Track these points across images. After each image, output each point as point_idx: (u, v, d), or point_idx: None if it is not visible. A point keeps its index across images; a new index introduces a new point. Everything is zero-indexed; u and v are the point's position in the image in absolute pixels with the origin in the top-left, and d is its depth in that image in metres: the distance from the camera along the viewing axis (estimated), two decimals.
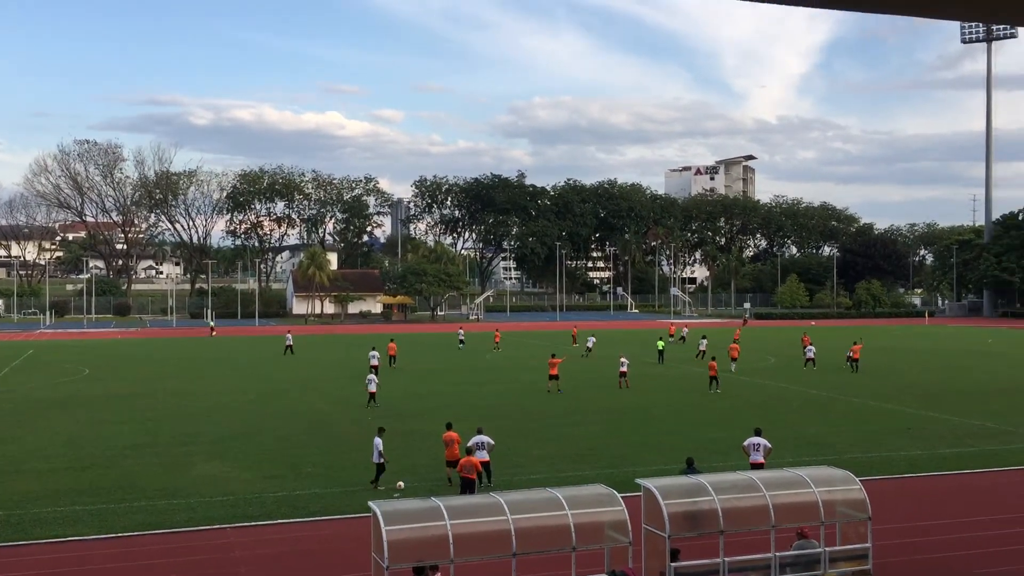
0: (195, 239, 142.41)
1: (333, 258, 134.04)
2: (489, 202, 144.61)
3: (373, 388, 37.74)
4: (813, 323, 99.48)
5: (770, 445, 22.82)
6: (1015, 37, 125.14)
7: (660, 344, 58.04)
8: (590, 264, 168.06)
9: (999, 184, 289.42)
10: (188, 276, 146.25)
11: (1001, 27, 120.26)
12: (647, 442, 29.61)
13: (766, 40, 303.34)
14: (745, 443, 22.95)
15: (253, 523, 20.39)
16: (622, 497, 15.05)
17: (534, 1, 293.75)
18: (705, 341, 59.25)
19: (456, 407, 36.25)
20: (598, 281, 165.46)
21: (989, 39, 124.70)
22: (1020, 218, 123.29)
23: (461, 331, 72.28)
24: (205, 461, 26.84)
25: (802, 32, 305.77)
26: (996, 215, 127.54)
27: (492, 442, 23.58)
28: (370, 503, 14.41)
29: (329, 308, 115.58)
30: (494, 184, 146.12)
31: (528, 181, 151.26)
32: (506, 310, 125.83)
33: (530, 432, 31.53)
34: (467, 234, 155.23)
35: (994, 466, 26.21)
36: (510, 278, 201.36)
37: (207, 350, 68.58)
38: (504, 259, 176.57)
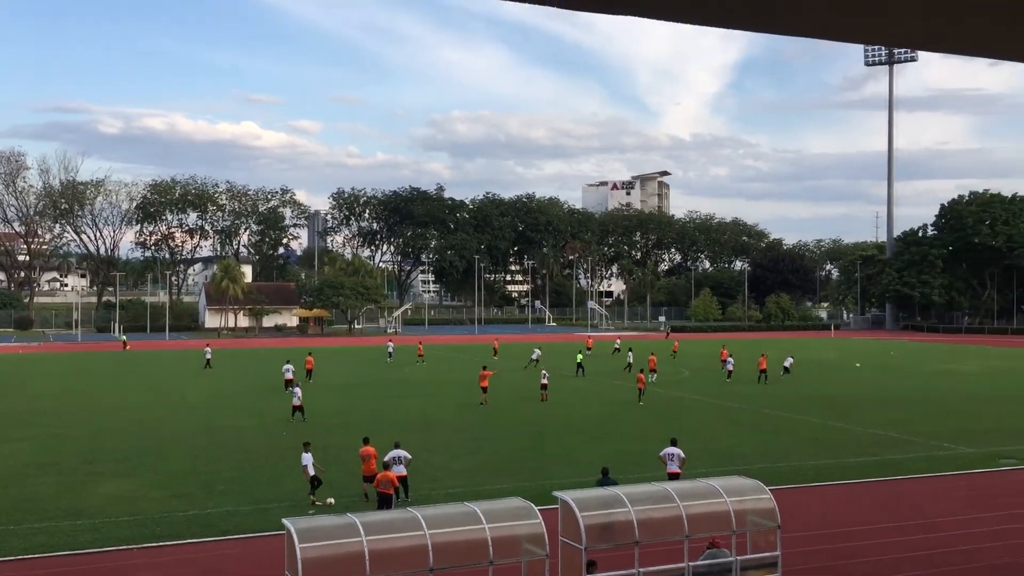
0: (102, 251, 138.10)
1: (248, 270, 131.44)
2: (408, 215, 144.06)
3: (297, 401, 37.25)
4: (730, 335, 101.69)
5: (684, 455, 23.29)
6: (915, 60, 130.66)
7: (579, 357, 58.57)
8: (508, 278, 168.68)
9: (900, 202, 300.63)
10: (95, 289, 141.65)
11: (902, 51, 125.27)
12: (566, 454, 29.82)
13: (680, 59, 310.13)
14: (661, 453, 23.52)
15: (162, 543, 19.84)
16: (540, 510, 15.12)
17: (452, 15, 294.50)
18: (632, 354, 60.13)
19: (375, 421, 35.93)
20: (516, 294, 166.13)
21: (891, 62, 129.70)
22: (920, 235, 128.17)
23: (390, 344, 71.82)
24: (112, 480, 26.01)
25: (715, 51, 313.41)
26: (897, 232, 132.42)
27: (410, 456, 23.46)
28: (284, 520, 14.17)
29: (243, 321, 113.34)
30: (413, 197, 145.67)
31: (447, 194, 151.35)
32: (424, 323, 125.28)
33: (449, 445, 31.45)
34: (385, 247, 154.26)
35: (896, 474, 27.16)
36: (428, 291, 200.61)
37: (118, 365, 66.50)
38: (423, 272, 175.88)
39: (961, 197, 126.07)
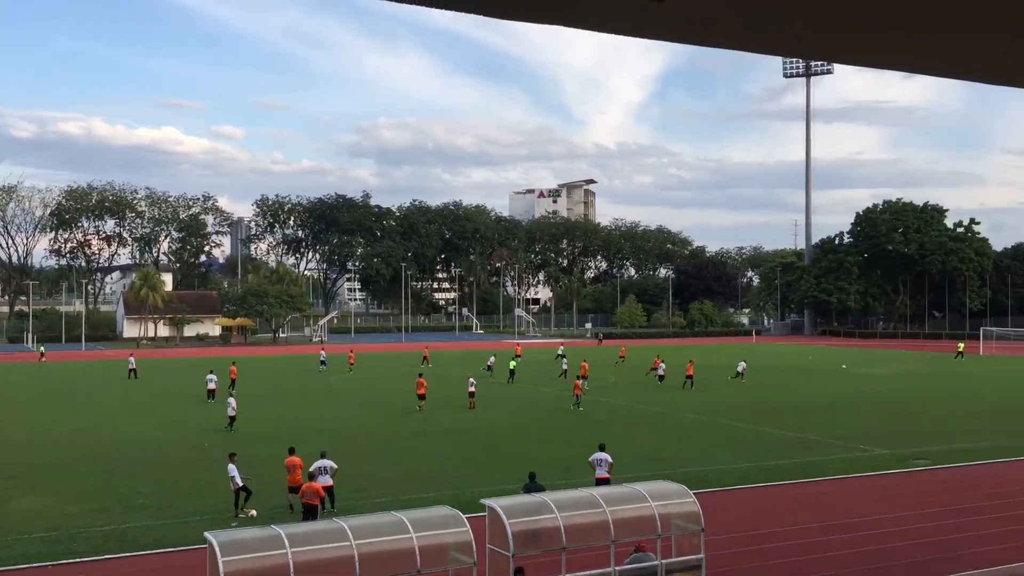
0: (15, 259, 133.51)
1: (168, 279, 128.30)
2: (333, 222, 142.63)
3: (232, 412, 36.80)
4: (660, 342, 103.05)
5: (611, 461, 23.58)
6: (831, 73, 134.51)
7: (512, 364, 58.79)
8: (436, 285, 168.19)
9: (818, 210, 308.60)
10: (6, 298, 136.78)
11: (818, 63, 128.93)
12: (493, 461, 29.85)
13: (605, 68, 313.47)
14: (591, 458, 23.85)
15: (79, 559, 19.25)
16: (467, 518, 15.12)
17: (377, 22, 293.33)
18: (566, 360, 60.52)
19: (301, 431, 35.44)
20: (443, 302, 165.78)
21: (808, 74, 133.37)
22: (836, 242, 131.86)
23: (323, 352, 70.98)
24: (26, 495, 25.14)
25: (639, 62, 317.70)
26: (815, 239, 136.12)
27: (335, 466, 23.21)
28: (206, 534, 13.88)
29: (163, 331, 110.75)
30: (339, 204, 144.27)
31: (374, 202, 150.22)
32: (351, 332, 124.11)
33: (376, 454, 31.22)
34: (310, 255, 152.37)
35: (816, 476, 27.88)
36: (355, 299, 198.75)
37: (35, 377, 64.31)
38: (349, 280, 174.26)
39: (875, 206, 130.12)
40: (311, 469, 22.49)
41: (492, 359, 63.04)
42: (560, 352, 74.75)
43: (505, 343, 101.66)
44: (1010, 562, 18.97)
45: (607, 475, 23.05)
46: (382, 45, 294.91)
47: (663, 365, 56.44)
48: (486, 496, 17.45)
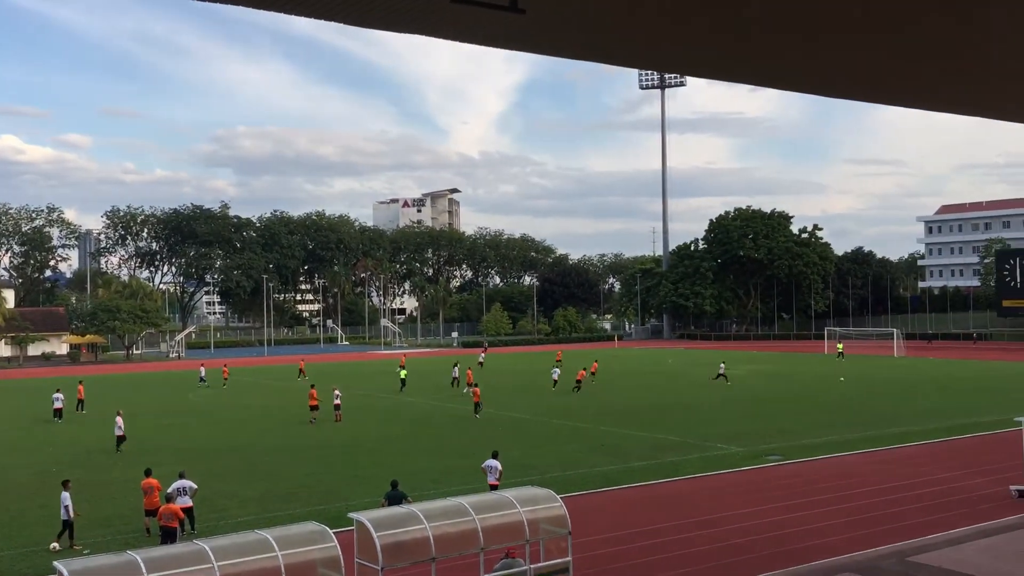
0: None
1: (10, 295, 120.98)
2: (190, 234, 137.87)
3: (119, 431, 35.31)
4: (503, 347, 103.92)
5: (501, 468, 24.14)
6: (684, 86, 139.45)
7: (403, 373, 59.02)
8: (299, 297, 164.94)
9: (674, 218, 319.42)
10: None
11: (672, 76, 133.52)
12: (360, 475, 29.49)
13: (467, 78, 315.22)
14: (483, 465, 24.51)
15: None
16: (335, 533, 14.91)
17: (235, 28, 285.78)
18: (457, 368, 60.21)
19: (158, 451, 34.06)
20: (307, 314, 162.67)
21: (662, 87, 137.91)
22: (692, 249, 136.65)
23: (202, 369, 68.27)
24: None
25: (500, 72, 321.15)
26: (672, 246, 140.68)
27: (195, 486, 22.45)
28: (56, 563, 13.19)
29: (5, 350, 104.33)
30: (195, 215, 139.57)
31: (233, 212, 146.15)
32: (210, 346, 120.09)
33: (237, 472, 30.33)
34: (166, 268, 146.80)
35: (677, 475, 28.80)
36: (214, 313, 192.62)
37: None
38: (207, 293, 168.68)
39: (727, 213, 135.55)
40: (169, 490, 21.68)
41: (456, 370, 61.62)
42: (480, 360, 75.41)
43: (369, 354, 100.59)
44: (853, 551, 20.10)
45: (496, 482, 23.75)
46: (241, 52, 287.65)
47: (557, 370, 59.10)
48: (354, 510, 17.23)
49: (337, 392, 44.34)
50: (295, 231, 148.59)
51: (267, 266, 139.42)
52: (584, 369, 58.24)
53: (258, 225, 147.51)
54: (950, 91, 15.65)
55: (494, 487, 23.11)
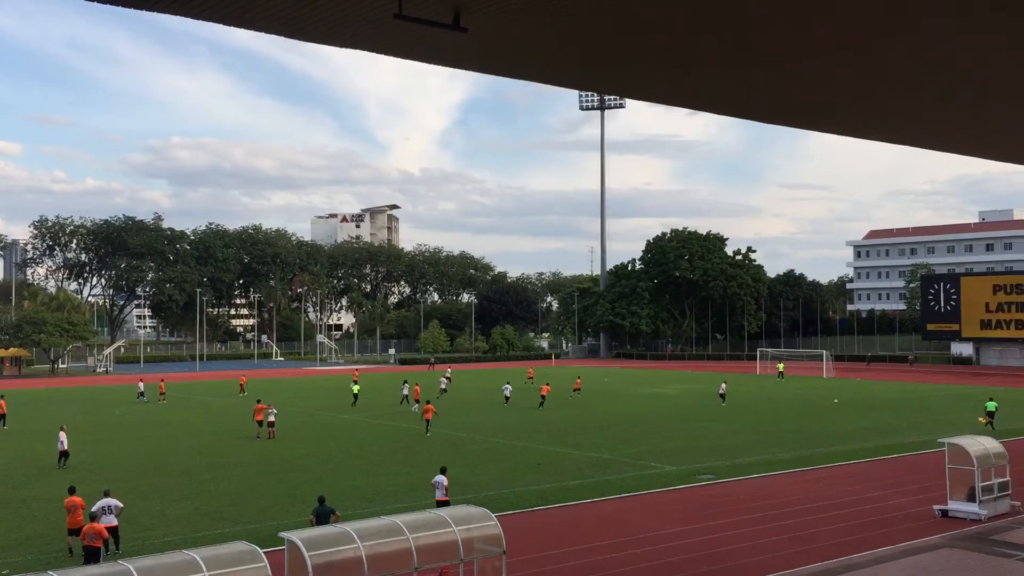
0: None
1: None
2: (121, 246, 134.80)
3: (62, 447, 34.42)
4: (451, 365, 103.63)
5: (446, 483, 24.28)
6: (624, 107, 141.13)
7: (356, 388, 59.31)
8: (234, 311, 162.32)
9: (612, 237, 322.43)
10: None
11: (612, 97, 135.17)
12: (293, 493, 29.03)
13: (409, 95, 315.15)
14: (432, 481, 24.79)
15: None
16: (265, 553, 14.63)
17: (172, 37, 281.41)
18: (407, 386, 59.84)
19: (83, 468, 33.15)
20: (242, 329, 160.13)
21: (602, 108, 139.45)
22: (629, 269, 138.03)
23: (141, 384, 66.55)
24: None
25: (442, 90, 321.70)
26: (610, 265, 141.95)
27: (120, 504, 21.88)
28: None
29: None
30: (127, 226, 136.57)
31: (167, 224, 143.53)
32: (140, 361, 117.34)
33: (165, 490, 29.63)
34: (95, 280, 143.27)
35: (611, 494, 28.93)
36: (145, 327, 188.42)
37: None
38: (138, 307, 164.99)
39: (664, 234, 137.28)
40: (93, 509, 21.08)
41: (444, 381, 62.10)
42: (447, 375, 75.13)
43: (303, 371, 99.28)
44: (781, 569, 20.41)
45: (446, 498, 23.96)
46: (178, 62, 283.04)
47: (508, 386, 60.56)
48: (286, 529, 16.96)
49: (273, 409, 43.67)
50: (231, 244, 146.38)
51: (201, 280, 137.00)
52: (548, 384, 60.34)
53: (192, 238, 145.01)
54: (877, 120, 16.18)
55: (442, 503, 23.34)
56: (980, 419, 45.40)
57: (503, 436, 42.73)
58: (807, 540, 22.82)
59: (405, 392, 58.99)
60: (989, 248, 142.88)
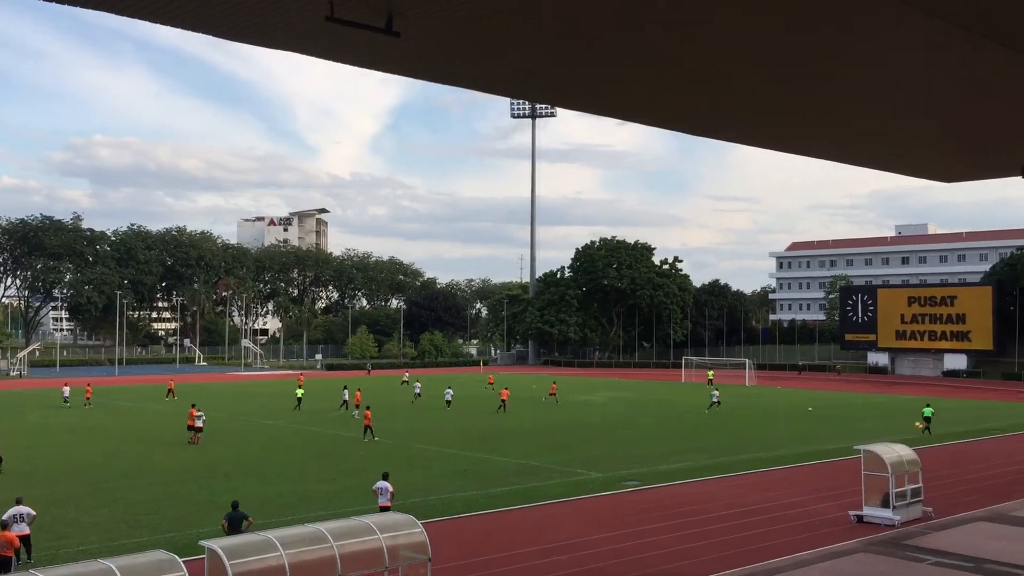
0: None
1: None
2: (38, 246, 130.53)
3: None
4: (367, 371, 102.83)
5: (392, 489, 24.54)
6: (555, 116, 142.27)
7: (300, 392, 59.66)
8: (155, 315, 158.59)
9: (542, 245, 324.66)
10: None
11: (543, 106, 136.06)
12: (214, 500, 28.44)
13: (340, 98, 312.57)
14: (374, 487, 24.78)
15: None
16: (184, 561, 14.31)
17: (96, 33, 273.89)
18: (347, 391, 59.53)
19: None
20: (163, 332, 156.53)
21: (534, 116, 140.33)
22: (558, 276, 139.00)
23: (66, 388, 64.35)
24: None
25: (374, 94, 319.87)
26: (539, 273, 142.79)
27: (33, 512, 21.20)
28: None
29: None
30: (44, 226, 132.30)
31: (86, 224, 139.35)
32: (56, 365, 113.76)
33: (81, 497, 28.76)
34: (10, 281, 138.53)
35: (537, 500, 29.04)
36: (61, 330, 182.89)
37: None
38: (55, 309, 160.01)
39: (593, 243, 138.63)
40: (4, 517, 20.37)
41: (345, 392, 60.28)
42: (404, 379, 77.87)
43: (229, 375, 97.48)
44: (704, 574, 20.74)
45: (388, 503, 23.99)
46: (100, 60, 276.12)
47: (450, 391, 61.51)
48: (206, 537, 16.61)
49: (200, 414, 42.86)
50: (153, 246, 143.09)
51: (121, 282, 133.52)
52: (507, 389, 62.35)
53: (113, 239, 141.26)
54: (797, 136, 16.63)
55: (385, 509, 23.33)
56: (917, 424, 47.91)
57: (430, 442, 42.56)
58: (729, 545, 23.23)
59: (345, 397, 58.75)
60: (905, 261, 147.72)
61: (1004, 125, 15.32)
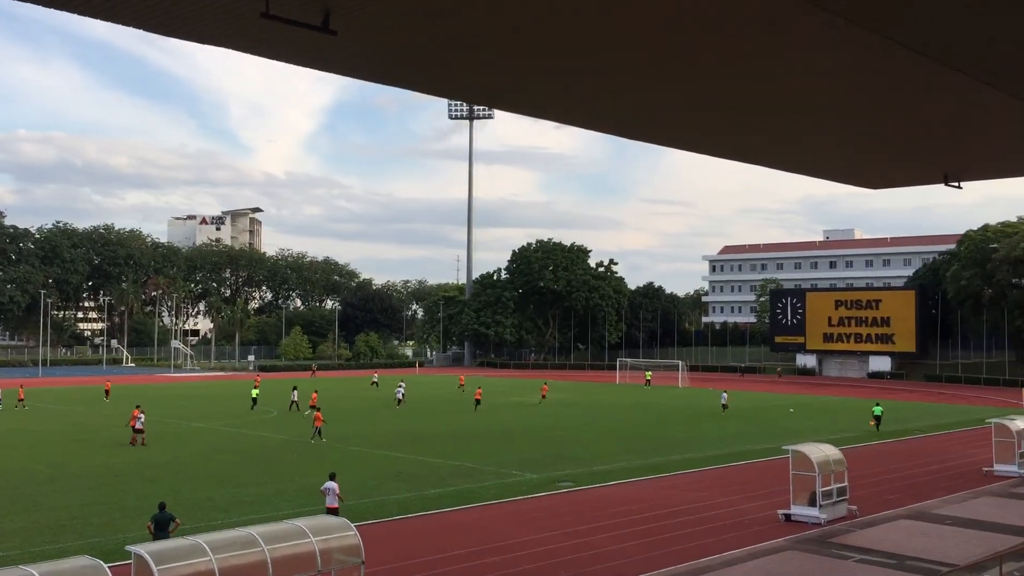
0: None
1: None
2: None
3: None
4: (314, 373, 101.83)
5: (338, 491, 24.58)
6: (492, 118, 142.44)
7: (255, 392, 60.57)
8: (81, 315, 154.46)
9: (478, 247, 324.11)
10: None
11: (480, 108, 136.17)
12: (142, 505, 27.80)
13: (274, 96, 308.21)
14: (322, 488, 24.85)
15: None
16: (110, 567, 13.99)
17: (18, 24, 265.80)
18: (296, 392, 59.21)
19: None
20: (90, 333, 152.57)
21: (471, 118, 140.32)
22: (495, 278, 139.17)
23: None
24: None
25: (308, 93, 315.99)
26: (476, 274, 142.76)
27: None
28: None
29: None
30: None
31: (9, 221, 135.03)
32: None
33: (1, 503, 27.87)
34: None
35: (472, 502, 29.04)
36: None
37: None
38: None
39: (529, 244, 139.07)
40: None
41: (295, 393, 59.98)
42: (374, 380, 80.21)
43: (159, 377, 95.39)
44: (636, 574, 20.98)
45: (336, 504, 24.03)
46: (23, 52, 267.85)
47: (401, 387, 63.94)
48: (132, 542, 16.26)
49: (140, 416, 42.21)
50: (80, 244, 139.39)
51: (46, 281, 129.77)
52: (480, 388, 64.62)
53: (38, 236, 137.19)
54: (729, 141, 16.94)
55: (333, 510, 23.37)
56: (870, 422, 51.17)
57: (365, 445, 42.26)
58: (660, 545, 23.53)
59: (294, 398, 58.60)
60: (832, 265, 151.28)
61: (926, 134, 15.83)
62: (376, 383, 78.22)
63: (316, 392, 57.94)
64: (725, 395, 63.70)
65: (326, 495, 24.43)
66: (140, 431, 41.49)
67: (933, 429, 52.34)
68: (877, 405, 52.91)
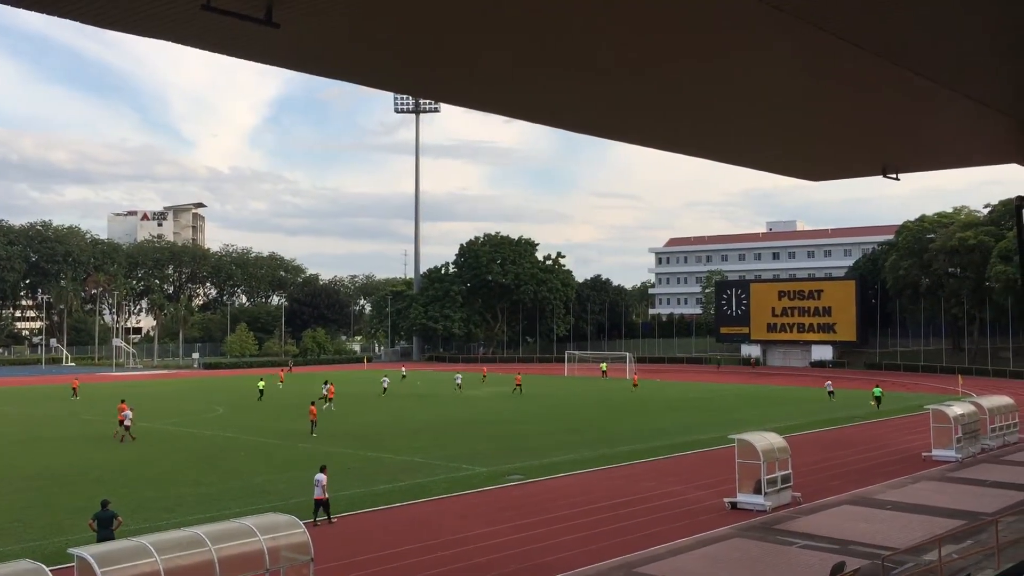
0: None
1: None
2: None
3: None
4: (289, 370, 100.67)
5: (325, 481, 24.87)
6: (439, 112, 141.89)
7: (261, 384, 63.73)
8: (18, 314, 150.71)
9: (426, 241, 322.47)
10: None
11: (427, 102, 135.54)
12: (85, 507, 27.17)
13: (217, 90, 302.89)
14: (315, 478, 25.14)
15: None
16: (53, 571, 13.72)
17: None
18: (263, 383, 60.63)
19: None
20: (28, 332, 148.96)
21: (417, 111, 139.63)
22: (443, 272, 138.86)
23: None
24: None
25: (252, 86, 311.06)
26: (424, 269, 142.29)
27: None
28: None
29: None
30: None
31: None
32: None
33: None
34: None
35: (421, 497, 29.00)
36: None
37: None
38: None
39: (477, 238, 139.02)
40: None
41: (386, 381, 65.32)
42: (386, 383, 78.17)
43: (100, 376, 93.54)
44: (586, 564, 21.15)
45: (323, 496, 24.67)
46: None
47: (385, 379, 66.81)
48: (75, 545, 15.95)
49: (128, 412, 41.93)
50: (16, 241, 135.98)
51: None
52: (519, 375, 71.01)
53: None
54: (671, 134, 17.12)
55: (320, 501, 24.58)
56: (872, 403, 56.66)
57: (315, 441, 41.92)
58: (609, 535, 23.74)
59: (260, 386, 63.10)
60: (775, 256, 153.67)
61: (865, 126, 16.14)
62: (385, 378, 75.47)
63: (332, 385, 58.83)
64: (830, 383, 66.30)
65: (315, 486, 24.91)
66: (127, 426, 42.06)
67: (873, 416, 53.51)
68: (876, 387, 59.21)
